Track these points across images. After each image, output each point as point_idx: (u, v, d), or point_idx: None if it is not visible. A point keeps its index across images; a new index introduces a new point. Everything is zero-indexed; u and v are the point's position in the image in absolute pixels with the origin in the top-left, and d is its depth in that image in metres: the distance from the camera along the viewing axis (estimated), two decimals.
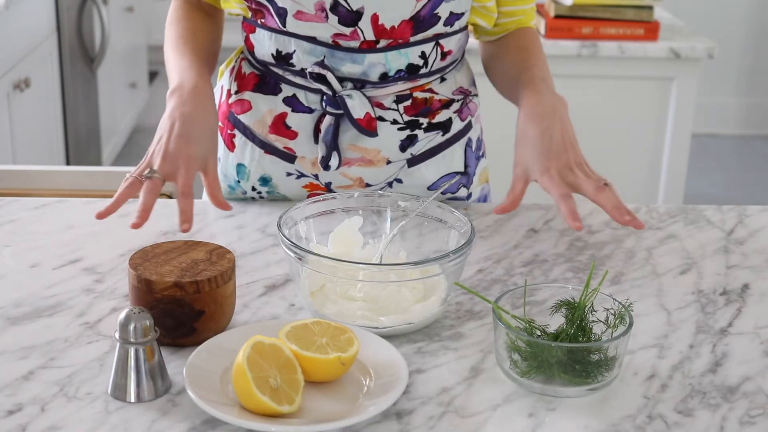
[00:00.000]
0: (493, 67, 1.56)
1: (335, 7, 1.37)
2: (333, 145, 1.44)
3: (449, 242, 1.28)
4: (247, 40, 1.49)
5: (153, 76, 5.26)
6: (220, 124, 1.51)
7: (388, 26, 1.39)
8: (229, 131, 1.52)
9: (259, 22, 1.44)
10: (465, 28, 1.49)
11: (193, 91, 1.36)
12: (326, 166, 1.46)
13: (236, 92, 1.51)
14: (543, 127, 1.36)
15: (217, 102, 1.55)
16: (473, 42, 1.60)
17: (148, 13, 5.01)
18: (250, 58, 1.51)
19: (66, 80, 3.44)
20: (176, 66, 1.42)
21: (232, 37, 1.97)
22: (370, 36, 1.39)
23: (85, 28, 3.64)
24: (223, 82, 1.57)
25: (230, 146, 1.52)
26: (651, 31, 3.05)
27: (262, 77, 1.48)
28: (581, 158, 1.36)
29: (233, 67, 1.55)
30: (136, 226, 1.24)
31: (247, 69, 1.51)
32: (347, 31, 1.39)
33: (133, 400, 1.04)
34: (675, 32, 3.18)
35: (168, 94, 1.38)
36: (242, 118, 1.50)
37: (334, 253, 1.25)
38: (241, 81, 1.51)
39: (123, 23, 4.26)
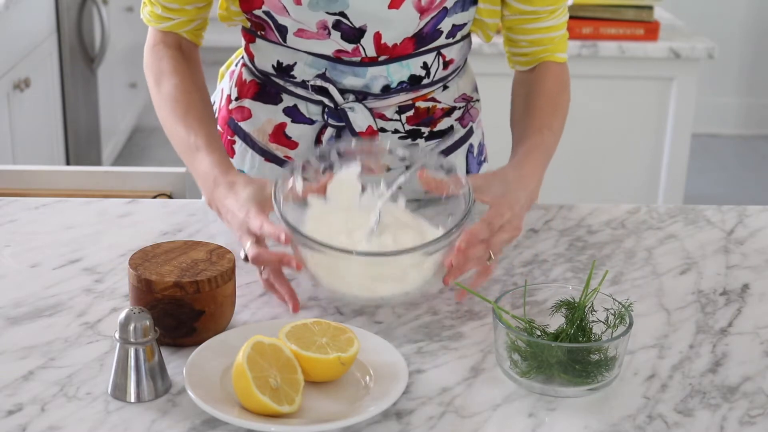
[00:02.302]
0: (518, 99, 1.49)
1: (337, 25, 1.36)
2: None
3: (449, 201, 1.27)
4: (246, 48, 1.48)
5: None
6: (219, 129, 1.50)
7: (390, 44, 1.38)
8: (229, 137, 1.51)
9: (259, 33, 1.43)
10: (467, 36, 1.47)
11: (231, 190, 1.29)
12: None
13: (236, 98, 1.51)
14: (516, 187, 1.30)
15: (216, 106, 1.55)
16: (476, 42, 1.59)
17: None
18: (250, 65, 1.50)
19: (66, 80, 3.44)
20: (198, 163, 1.33)
21: (231, 37, 1.96)
22: (371, 53, 1.38)
23: (85, 28, 3.64)
24: (223, 85, 1.56)
25: (230, 152, 1.51)
26: (651, 31, 3.05)
27: (263, 86, 1.47)
28: (517, 224, 1.28)
29: (233, 71, 1.54)
30: (295, 308, 1.22)
31: (247, 76, 1.50)
32: (349, 47, 1.38)
33: (133, 400, 1.04)
34: (675, 32, 3.18)
35: (206, 202, 1.32)
36: (242, 125, 1.50)
37: (327, 210, 1.24)
38: (241, 87, 1.50)
39: (123, 23, 4.26)
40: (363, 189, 1.28)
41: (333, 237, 1.20)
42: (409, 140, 1.47)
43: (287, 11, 1.35)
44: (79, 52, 3.58)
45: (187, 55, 1.46)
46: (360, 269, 1.18)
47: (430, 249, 1.17)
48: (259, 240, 1.22)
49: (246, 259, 1.22)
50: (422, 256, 1.20)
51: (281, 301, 1.24)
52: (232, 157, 1.51)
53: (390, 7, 1.33)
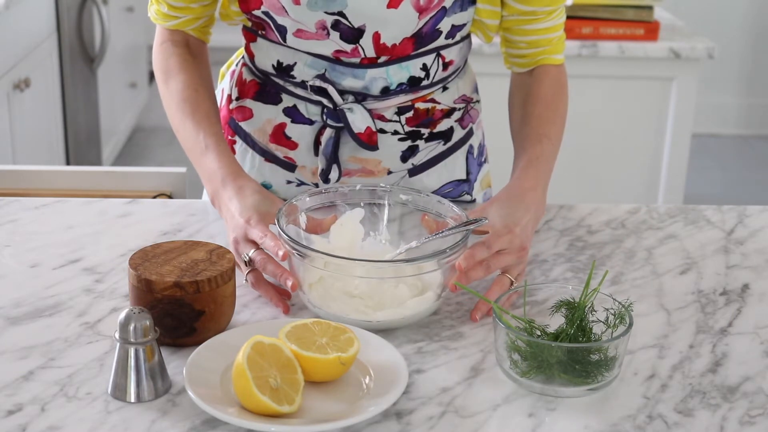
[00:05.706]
0: (515, 106, 1.48)
1: (336, 25, 1.36)
2: (333, 158, 1.44)
3: (447, 237, 1.27)
4: (247, 47, 1.48)
5: (153, 76, 5.26)
6: None
7: (389, 44, 1.37)
8: (229, 137, 1.52)
9: (260, 32, 1.43)
10: (467, 37, 1.47)
11: (237, 190, 1.29)
12: (326, 179, 1.45)
13: (237, 98, 1.51)
14: (516, 206, 1.29)
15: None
16: (476, 42, 1.59)
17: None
18: (250, 65, 1.50)
19: (66, 80, 3.44)
20: (206, 161, 1.34)
21: (232, 36, 1.96)
22: (371, 53, 1.38)
23: (85, 28, 3.64)
24: (223, 85, 1.56)
25: (231, 152, 1.51)
26: (651, 31, 3.05)
27: (263, 85, 1.47)
28: (521, 244, 1.27)
29: (233, 71, 1.54)
30: (294, 288, 1.19)
31: (247, 76, 1.50)
32: (348, 48, 1.38)
33: (133, 400, 1.04)
34: (675, 32, 3.18)
35: (209, 198, 1.33)
36: (243, 125, 1.50)
37: (330, 249, 1.25)
38: (241, 87, 1.50)
39: (123, 23, 4.26)
40: (365, 234, 1.29)
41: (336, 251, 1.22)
42: (408, 141, 1.47)
43: (286, 11, 1.35)
44: (79, 52, 3.58)
45: (194, 53, 1.47)
46: (358, 299, 1.19)
47: (427, 260, 1.17)
48: (258, 247, 1.23)
49: (249, 263, 1.23)
50: (423, 285, 1.21)
51: (271, 299, 1.24)
52: None
53: (389, 6, 1.33)
